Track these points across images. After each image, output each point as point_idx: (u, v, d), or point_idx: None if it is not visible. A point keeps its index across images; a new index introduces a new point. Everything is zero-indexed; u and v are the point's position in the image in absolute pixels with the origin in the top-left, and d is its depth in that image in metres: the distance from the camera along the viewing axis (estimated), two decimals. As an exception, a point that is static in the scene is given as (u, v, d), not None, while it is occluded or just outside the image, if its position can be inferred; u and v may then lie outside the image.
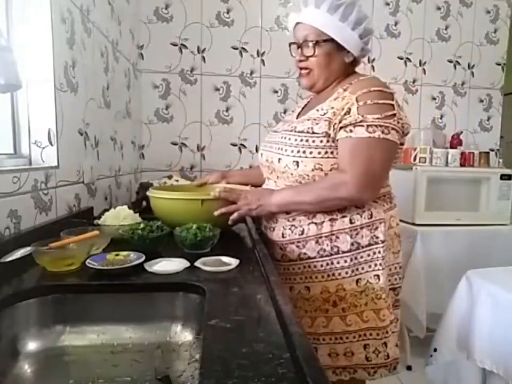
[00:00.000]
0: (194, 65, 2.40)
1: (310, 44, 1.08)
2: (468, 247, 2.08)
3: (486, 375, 1.49)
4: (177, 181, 1.91)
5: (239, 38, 2.42)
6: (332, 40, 1.07)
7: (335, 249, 1.05)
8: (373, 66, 2.55)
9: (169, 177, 1.95)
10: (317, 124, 1.05)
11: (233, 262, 0.90)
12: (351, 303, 1.05)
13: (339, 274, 1.06)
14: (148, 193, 1.25)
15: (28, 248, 0.83)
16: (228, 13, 2.39)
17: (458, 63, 2.65)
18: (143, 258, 0.89)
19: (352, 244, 1.05)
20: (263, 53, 2.44)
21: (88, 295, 0.80)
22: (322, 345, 1.07)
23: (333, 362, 1.07)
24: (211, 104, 2.44)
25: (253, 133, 2.48)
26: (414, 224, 2.12)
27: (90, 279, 0.82)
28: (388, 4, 2.53)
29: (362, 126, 0.99)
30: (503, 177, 2.22)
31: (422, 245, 2.02)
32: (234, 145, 2.48)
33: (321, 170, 1.04)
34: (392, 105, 1.02)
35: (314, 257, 1.07)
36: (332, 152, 1.03)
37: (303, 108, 1.22)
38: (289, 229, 1.10)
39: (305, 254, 1.08)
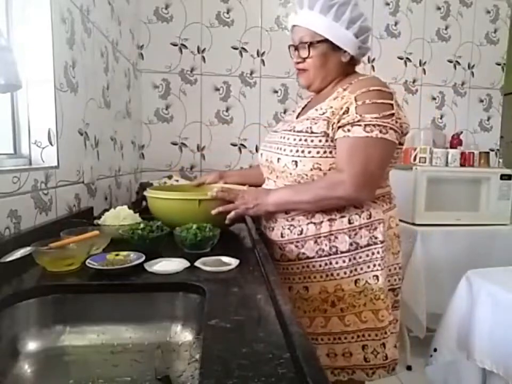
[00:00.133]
0: (194, 65, 2.40)
1: (305, 45, 1.09)
2: (468, 247, 2.08)
3: (486, 375, 1.49)
4: (177, 181, 1.91)
5: (239, 38, 2.42)
6: (326, 40, 1.07)
7: (334, 249, 1.05)
8: (373, 66, 2.55)
9: (169, 177, 1.95)
10: (315, 123, 1.05)
11: (233, 262, 0.90)
12: (349, 304, 1.05)
13: (338, 274, 1.06)
14: (145, 193, 1.25)
15: (28, 248, 0.83)
16: (228, 13, 2.39)
17: (458, 63, 2.65)
18: (143, 258, 0.89)
19: (350, 244, 1.05)
20: (263, 53, 2.44)
21: (88, 295, 0.80)
22: (321, 346, 1.07)
23: (331, 363, 1.07)
24: (211, 104, 2.44)
25: (253, 133, 2.48)
26: (414, 224, 2.12)
27: (90, 279, 0.82)
28: (387, 4, 2.53)
29: (360, 125, 0.99)
30: (503, 177, 2.22)
31: (422, 245, 2.02)
32: (234, 145, 2.48)
33: (320, 170, 1.04)
34: (391, 104, 1.02)
35: (313, 257, 1.07)
36: (330, 152, 1.03)
37: (303, 108, 1.22)
38: (288, 228, 1.10)
39: (304, 253, 1.08)
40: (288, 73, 2.46)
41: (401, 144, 1.08)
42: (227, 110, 2.46)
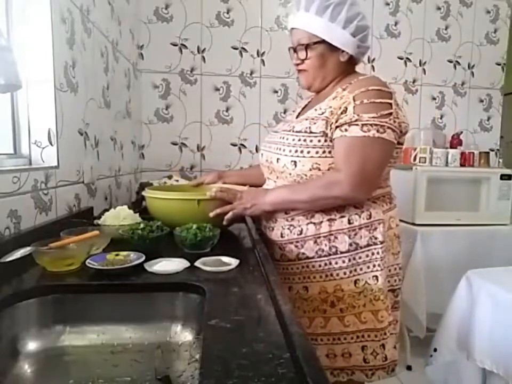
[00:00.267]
0: (194, 65, 2.40)
1: (303, 47, 1.10)
2: (468, 247, 2.08)
3: (486, 375, 1.49)
4: (177, 181, 1.91)
5: (239, 38, 2.42)
6: (323, 41, 1.08)
7: (333, 250, 1.05)
8: (373, 66, 2.55)
9: (169, 177, 1.95)
10: (314, 123, 1.05)
11: (233, 262, 0.90)
12: (349, 304, 1.05)
13: (337, 274, 1.05)
14: (143, 193, 1.25)
15: (28, 248, 0.83)
16: (228, 13, 2.39)
17: (458, 63, 2.65)
18: (143, 258, 0.89)
19: (350, 244, 1.05)
20: (263, 53, 2.44)
21: (88, 295, 0.80)
22: (320, 346, 1.07)
23: (330, 363, 1.07)
24: (211, 104, 2.44)
25: (253, 133, 2.48)
26: (414, 224, 2.12)
27: (90, 279, 0.82)
28: (387, 4, 2.53)
29: (357, 125, 0.99)
30: (503, 177, 2.22)
31: (422, 245, 2.02)
32: (234, 145, 2.48)
33: (319, 170, 1.04)
34: (390, 104, 1.01)
35: (313, 257, 1.07)
36: (329, 152, 1.03)
37: (303, 108, 1.22)
38: (288, 228, 1.10)
39: (303, 254, 1.08)
40: (288, 73, 2.46)
41: (400, 143, 1.08)
42: (227, 110, 2.46)
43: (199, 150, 2.46)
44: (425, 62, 2.61)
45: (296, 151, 1.06)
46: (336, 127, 1.02)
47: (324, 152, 1.03)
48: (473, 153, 2.32)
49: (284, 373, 0.48)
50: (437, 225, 2.11)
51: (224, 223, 1.12)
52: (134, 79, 2.17)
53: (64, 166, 1.22)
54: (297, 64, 1.15)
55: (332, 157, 1.03)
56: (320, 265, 1.07)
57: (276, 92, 2.48)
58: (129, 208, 1.20)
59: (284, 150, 1.09)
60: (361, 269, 1.05)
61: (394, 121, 1.01)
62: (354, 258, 1.05)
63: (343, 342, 1.06)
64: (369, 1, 2.50)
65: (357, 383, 1.09)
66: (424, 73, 2.62)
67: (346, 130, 1.00)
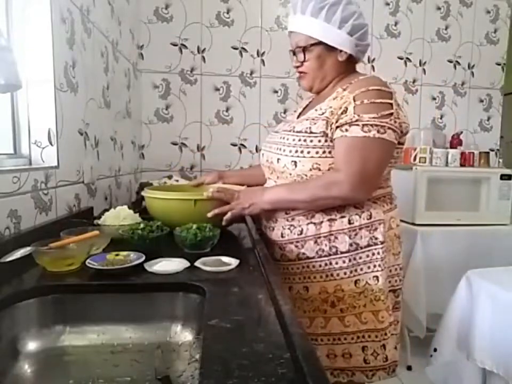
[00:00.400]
0: (194, 65, 2.40)
1: (301, 50, 1.11)
2: (468, 247, 2.08)
3: (486, 375, 1.49)
4: (177, 181, 1.91)
5: (239, 38, 2.42)
6: (320, 42, 1.08)
7: (334, 250, 1.05)
8: (373, 66, 2.55)
9: (169, 177, 1.95)
10: (315, 123, 1.05)
11: (233, 262, 0.90)
12: (349, 304, 1.05)
13: (337, 274, 1.05)
14: (142, 193, 1.25)
15: (28, 248, 0.83)
16: (228, 13, 2.39)
17: (458, 63, 2.65)
18: (143, 258, 0.89)
19: (350, 245, 1.05)
20: (263, 53, 2.44)
21: (88, 295, 0.80)
22: (321, 346, 1.07)
23: (331, 364, 1.07)
24: (211, 104, 2.44)
25: (253, 133, 2.48)
26: (414, 224, 2.12)
27: (90, 279, 0.82)
28: (387, 4, 2.53)
29: (357, 125, 0.99)
30: (503, 177, 2.22)
31: (422, 245, 2.02)
32: (234, 145, 2.48)
33: (319, 170, 1.04)
34: (390, 104, 1.01)
35: (313, 257, 1.07)
36: (330, 152, 1.03)
37: (304, 108, 1.22)
38: (288, 228, 1.10)
39: (304, 254, 1.08)
40: (288, 73, 2.46)
41: (401, 144, 1.08)
42: (227, 110, 2.46)
43: (199, 150, 2.46)
44: (425, 62, 2.61)
45: (296, 151, 1.06)
46: (337, 127, 1.02)
47: (324, 152, 1.03)
48: (473, 153, 2.32)
49: (283, 373, 0.48)
50: (437, 225, 2.11)
51: (223, 223, 1.12)
52: (134, 79, 2.17)
53: (64, 166, 1.22)
54: (297, 67, 1.15)
55: (332, 157, 1.03)
56: (320, 265, 1.07)
57: (276, 91, 2.48)
58: (129, 208, 1.20)
59: (284, 150, 1.09)
60: (361, 269, 1.05)
61: (395, 122, 1.01)
62: (354, 259, 1.05)
63: (343, 342, 1.06)
64: (369, 1, 2.50)
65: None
66: (424, 73, 2.62)
67: (346, 130, 1.00)
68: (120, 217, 1.14)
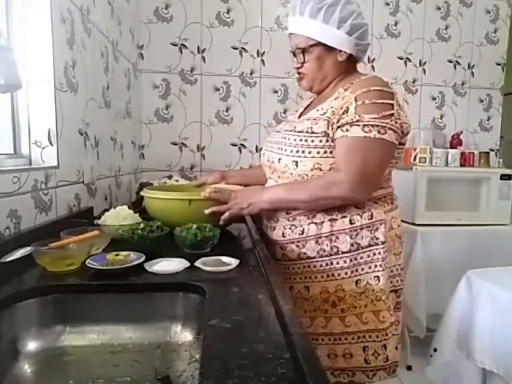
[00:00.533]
0: (194, 65, 2.40)
1: (300, 51, 1.11)
2: (468, 247, 2.08)
3: (486, 375, 1.49)
4: (177, 181, 1.91)
5: (239, 38, 2.42)
6: (319, 43, 1.08)
7: (335, 250, 1.05)
8: (373, 66, 2.55)
9: (169, 177, 1.95)
10: (316, 123, 1.05)
11: (233, 262, 0.90)
12: (350, 304, 1.05)
13: (338, 274, 1.05)
14: (141, 193, 1.26)
15: (28, 248, 0.83)
16: (228, 13, 2.39)
17: (458, 63, 2.65)
18: (143, 258, 0.89)
19: (352, 245, 1.05)
20: (263, 53, 2.44)
21: (88, 295, 0.80)
22: (322, 346, 1.07)
23: (331, 364, 1.07)
24: (211, 104, 2.44)
25: (253, 133, 2.48)
26: (414, 224, 2.12)
27: (90, 279, 0.82)
28: (387, 4, 2.53)
29: (358, 125, 0.99)
30: (503, 177, 2.22)
31: (422, 245, 2.02)
32: (234, 145, 2.48)
33: (320, 170, 1.04)
34: (392, 104, 1.01)
35: (314, 257, 1.07)
36: (331, 152, 1.03)
37: (305, 108, 1.22)
38: (289, 228, 1.10)
39: (305, 253, 1.08)
40: (288, 73, 2.46)
41: (402, 144, 1.08)
42: (227, 110, 2.46)
43: (199, 150, 2.46)
44: (425, 62, 2.61)
45: (297, 151, 1.06)
46: (338, 127, 1.02)
47: (325, 152, 1.04)
48: (473, 153, 2.32)
49: (283, 373, 0.48)
50: (437, 225, 2.11)
51: (221, 223, 1.13)
52: (134, 79, 2.17)
53: (64, 166, 1.22)
54: (297, 68, 1.15)
55: (333, 157, 1.03)
56: (321, 265, 1.07)
57: (276, 92, 2.48)
58: (129, 208, 1.20)
59: (285, 150, 1.09)
60: (362, 269, 1.05)
61: (396, 122, 1.01)
62: (355, 259, 1.05)
63: (344, 342, 1.06)
64: (369, 1, 2.50)
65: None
66: (424, 73, 2.62)
67: (347, 130, 1.00)
68: (120, 217, 1.14)
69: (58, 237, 0.92)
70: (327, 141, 1.03)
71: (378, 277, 1.04)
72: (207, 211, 1.12)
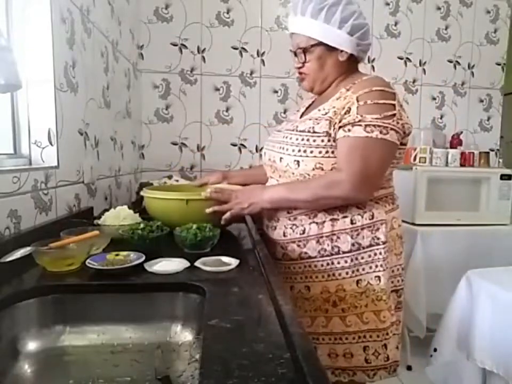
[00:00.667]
0: (194, 65, 2.40)
1: (301, 51, 1.11)
2: (468, 247, 2.08)
3: (486, 375, 1.49)
4: (177, 181, 1.91)
5: (239, 38, 2.42)
6: (320, 43, 1.08)
7: (336, 249, 1.05)
8: (373, 66, 2.55)
9: (169, 177, 1.95)
10: (318, 123, 1.06)
11: (233, 262, 0.90)
12: (351, 304, 1.05)
13: (339, 274, 1.05)
14: (141, 193, 1.26)
15: (28, 248, 0.83)
16: (228, 13, 2.39)
17: (458, 63, 2.65)
18: (143, 258, 0.89)
19: (353, 245, 1.05)
20: (263, 53, 2.44)
21: (88, 295, 0.80)
22: (322, 345, 1.07)
23: (332, 363, 1.07)
24: (211, 104, 2.44)
25: (253, 133, 2.48)
26: (414, 224, 2.12)
27: (90, 279, 0.82)
28: (387, 4, 2.53)
29: (360, 125, 0.99)
30: (503, 177, 2.22)
31: (422, 245, 2.02)
32: (234, 145, 2.48)
33: (322, 169, 1.04)
34: (393, 105, 1.02)
35: (315, 257, 1.07)
36: (332, 152, 1.04)
37: (307, 108, 1.22)
38: (291, 228, 1.10)
39: (306, 253, 1.08)
40: (288, 73, 2.46)
41: (403, 144, 1.08)
42: (227, 110, 2.46)
43: (199, 150, 2.46)
44: (425, 62, 2.61)
45: (299, 151, 1.06)
46: (340, 127, 1.02)
47: (327, 152, 1.04)
48: (473, 153, 2.32)
49: (283, 373, 0.48)
50: (437, 225, 2.11)
51: (222, 222, 1.13)
52: (134, 79, 2.17)
53: (64, 166, 1.22)
54: (299, 68, 1.15)
55: (335, 157, 1.04)
56: (322, 265, 1.07)
57: (276, 92, 2.48)
58: (129, 208, 1.20)
59: (287, 150, 1.09)
60: (363, 269, 1.05)
61: (398, 123, 1.01)
62: (356, 259, 1.05)
63: (344, 342, 1.06)
64: (369, 1, 2.50)
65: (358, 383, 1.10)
66: (424, 73, 2.62)
67: (349, 130, 1.00)
68: (120, 217, 1.14)
69: (58, 237, 0.92)
70: (328, 140, 1.03)
71: (379, 276, 1.04)
72: (208, 210, 1.12)
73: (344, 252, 1.05)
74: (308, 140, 1.05)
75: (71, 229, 0.98)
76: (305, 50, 1.10)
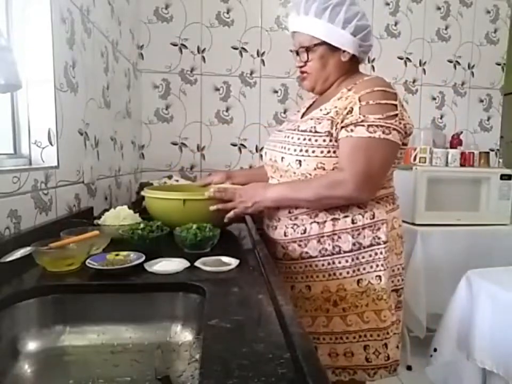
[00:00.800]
0: (194, 65, 2.40)
1: (304, 50, 1.11)
2: (468, 247, 2.08)
3: (486, 375, 1.49)
4: (177, 181, 1.91)
5: (239, 38, 2.42)
6: (323, 43, 1.08)
7: (337, 249, 1.05)
8: (373, 66, 2.55)
9: (169, 177, 1.95)
10: (319, 123, 1.06)
11: (233, 262, 0.90)
12: (352, 303, 1.05)
13: (340, 274, 1.06)
14: (142, 192, 1.26)
15: (28, 248, 0.83)
16: (228, 13, 2.39)
17: (458, 63, 2.65)
18: (143, 258, 0.89)
19: (353, 244, 1.05)
20: (263, 53, 2.44)
21: (88, 295, 0.80)
22: (323, 345, 1.07)
23: (332, 362, 1.07)
24: (211, 104, 2.44)
25: (253, 133, 2.48)
26: (414, 224, 2.12)
27: (90, 279, 0.82)
28: (387, 4, 2.53)
29: (363, 125, 1.00)
30: (503, 177, 2.22)
31: (422, 245, 2.02)
32: (234, 145, 2.48)
33: (324, 169, 1.04)
34: (395, 105, 1.02)
35: (316, 257, 1.07)
36: (334, 152, 1.04)
37: (308, 108, 1.22)
38: (292, 227, 1.10)
39: (307, 253, 1.08)
40: (288, 73, 2.46)
41: (404, 144, 1.08)
42: (227, 110, 2.46)
43: (199, 150, 2.46)
44: (425, 62, 2.61)
45: (301, 150, 1.06)
46: (342, 127, 1.02)
47: (328, 152, 1.04)
48: (473, 153, 2.32)
49: (283, 373, 0.48)
50: (437, 225, 2.11)
51: (225, 220, 1.13)
52: (134, 79, 2.17)
53: (64, 166, 1.22)
54: (300, 67, 1.15)
55: (336, 156, 1.04)
56: (323, 265, 1.07)
57: (276, 92, 2.48)
58: (129, 208, 1.20)
59: (288, 149, 1.09)
60: (364, 269, 1.05)
61: (400, 123, 1.02)
62: (357, 258, 1.05)
63: (345, 341, 1.06)
64: (369, 1, 2.50)
65: (358, 382, 1.10)
66: (424, 73, 2.62)
67: (352, 130, 1.01)
68: (120, 217, 1.14)
69: (58, 237, 0.92)
70: (330, 140, 1.03)
71: (379, 276, 1.05)
72: (212, 208, 1.12)
73: (345, 252, 1.05)
74: (309, 139, 1.05)
75: (71, 229, 0.98)
76: (308, 49, 1.10)
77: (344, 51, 1.10)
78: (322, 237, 1.06)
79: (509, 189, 2.22)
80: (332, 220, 1.06)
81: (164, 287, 0.81)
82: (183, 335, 0.79)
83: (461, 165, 2.28)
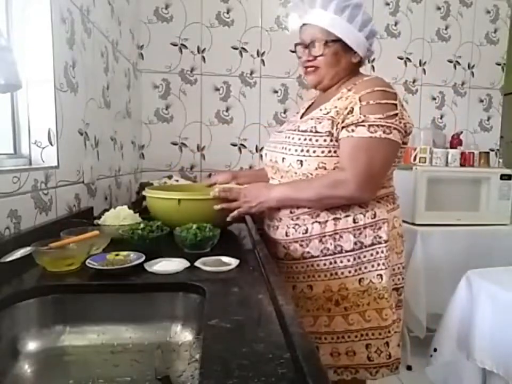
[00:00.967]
0: (194, 65, 2.40)
1: (318, 44, 1.09)
2: (468, 247, 2.08)
3: (486, 375, 1.49)
4: (177, 181, 1.91)
5: (239, 38, 2.42)
6: (339, 40, 1.08)
7: (339, 248, 1.06)
8: (373, 66, 2.55)
9: (169, 177, 1.95)
10: (320, 123, 1.06)
11: (233, 262, 0.90)
12: (353, 302, 1.05)
13: (342, 273, 1.06)
14: (143, 192, 1.26)
15: (28, 248, 0.83)
16: (228, 13, 2.39)
17: (458, 63, 2.65)
18: (143, 258, 0.89)
19: (355, 243, 1.05)
20: (263, 53, 2.44)
21: (88, 295, 0.80)
22: (324, 345, 1.07)
23: (334, 362, 1.07)
24: (211, 104, 2.44)
25: (253, 133, 2.48)
26: (414, 224, 2.12)
27: (90, 279, 0.82)
28: (387, 4, 2.53)
29: (364, 125, 1.00)
30: (503, 177, 2.22)
31: (422, 245, 2.02)
32: (234, 145, 2.48)
33: (325, 169, 1.05)
34: (395, 105, 1.02)
35: (318, 256, 1.07)
36: (335, 151, 1.04)
37: (307, 109, 1.22)
38: (293, 227, 1.10)
39: (308, 252, 1.08)
40: (288, 73, 2.46)
41: (404, 143, 1.09)
42: (227, 110, 2.46)
43: (199, 150, 2.46)
44: (425, 62, 2.61)
45: (302, 150, 1.06)
46: (343, 127, 1.03)
47: (329, 151, 1.04)
48: (473, 153, 2.32)
49: (283, 373, 0.48)
50: (437, 225, 2.11)
51: (228, 219, 1.14)
52: (134, 79, 2.17)
53: (64, 166, 1.22)
54: (308, 61, 1.13)
55: (337, 156, 1.04)
56: (325, 264, 1.07)
57: (276, 92, 2.48)
58: (129, 208, 1.20)
59: (289, 150, 1.09)
60: (365, 268, 1.05)
61: (400, 122, 1.02)
62: (359, 257, 1.05)
63: (347, 340, 1.06)
64: (369, 1, 2.50)
65: (360, 382, 1.10)
66: (424, 73, 2.61)
67: (353, 130, 1.01)
68: (120, 217, 1.14)
69: (58, 237, 0.92)
70: (331, 140, 1.04)
71: (381, 275, 1.05)
72: (216, 207, 1.13)
73: (346, 251, 1.05)
74: (310, 139, 1.05)
75: (71, 229, 0.98)
76: (325, 43, 1.08)
77: (355, 52, 1.10)
78: (324, 236, 1.06)
79: (509, 189, 2.22)
80: (334, 219, 1.06)
81: (163, 287, 0.81)
82: (183, 335, 0.79)
83: (461, 165, 2.28)
